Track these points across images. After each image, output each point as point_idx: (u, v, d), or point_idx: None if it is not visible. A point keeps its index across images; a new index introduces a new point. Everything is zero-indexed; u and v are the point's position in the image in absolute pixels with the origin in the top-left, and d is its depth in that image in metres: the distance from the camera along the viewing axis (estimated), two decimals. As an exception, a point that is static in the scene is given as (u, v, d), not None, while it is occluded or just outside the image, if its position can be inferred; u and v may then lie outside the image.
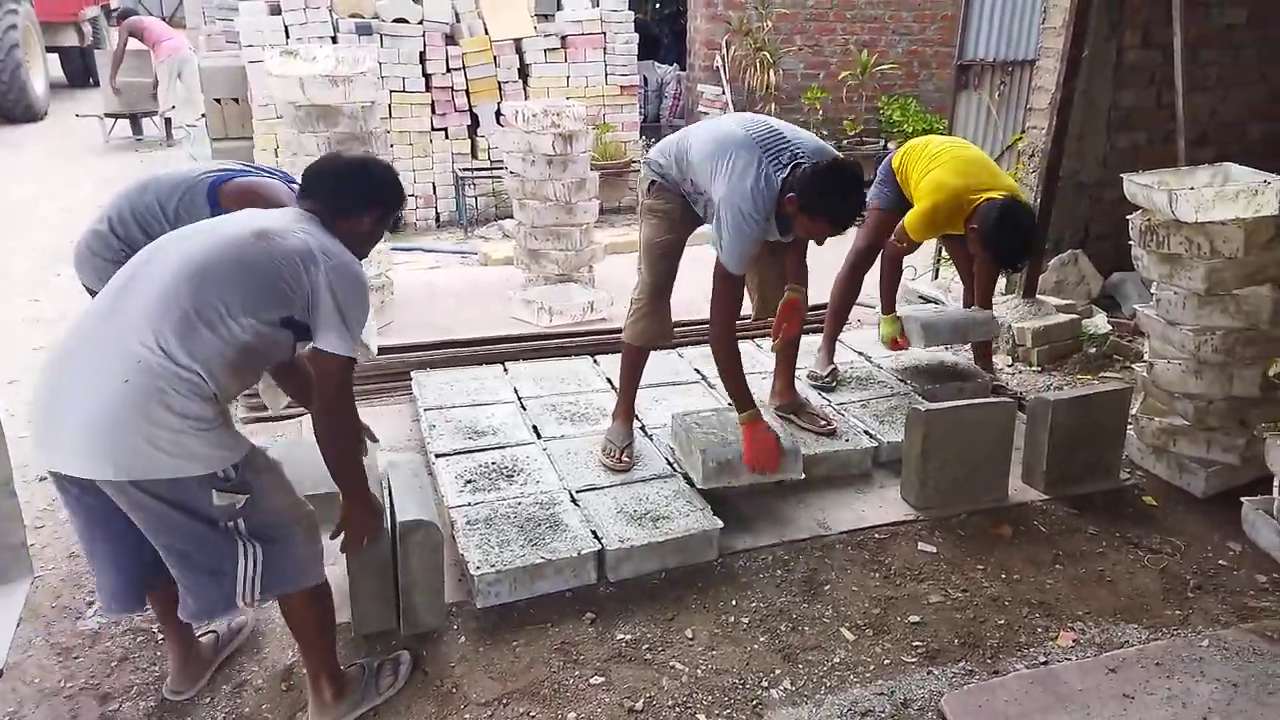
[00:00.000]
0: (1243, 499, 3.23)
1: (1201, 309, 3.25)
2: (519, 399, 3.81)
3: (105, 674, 2.47)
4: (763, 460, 3.11)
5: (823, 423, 3.56)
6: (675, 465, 3.30)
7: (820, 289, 4.01)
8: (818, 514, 3.24)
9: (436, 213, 7.51)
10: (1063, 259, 5.20)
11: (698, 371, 4.11)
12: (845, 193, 2.89)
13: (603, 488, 3.16)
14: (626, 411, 3.43)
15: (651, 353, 3.43)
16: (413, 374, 4.02)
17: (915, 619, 2.73)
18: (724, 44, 8.63)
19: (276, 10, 7.00)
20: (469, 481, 3.17)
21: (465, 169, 7.41)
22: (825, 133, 8.57)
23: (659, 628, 2.66)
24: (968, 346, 4.33)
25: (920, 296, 5.39)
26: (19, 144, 9.85)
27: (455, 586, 2.75)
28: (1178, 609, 2.81)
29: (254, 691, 2.41)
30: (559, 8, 8.15)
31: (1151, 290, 3.49)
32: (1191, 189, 3.18)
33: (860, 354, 4.34)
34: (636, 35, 7.93)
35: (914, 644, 2.63)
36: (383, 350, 4.30)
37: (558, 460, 3.32)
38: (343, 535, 2.33)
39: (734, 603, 2.77)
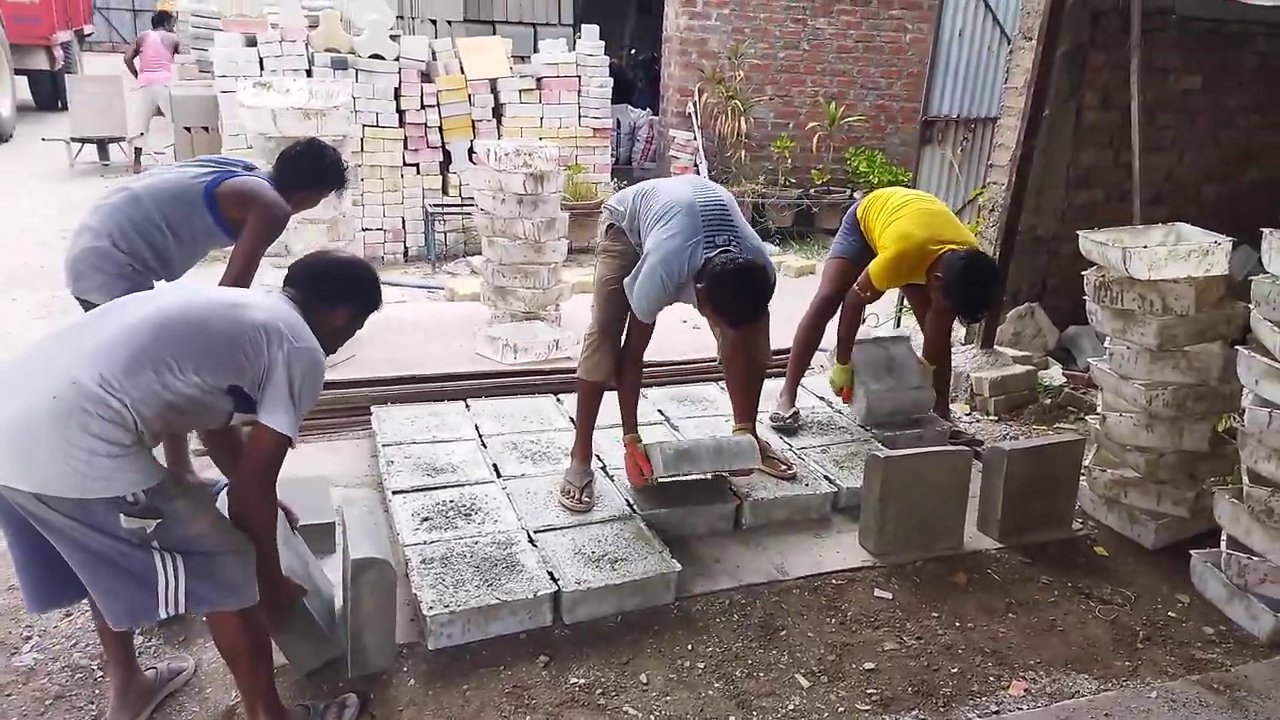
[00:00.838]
0: (1191, 551, 3.28)
1: (1153, 364, 3.33)
2: (480, 436, 3.79)
3: (39, 712, 2.39)
4: (629, 471, 3.37)
5: (783, 467, 3.58)
6: (635, 506, 3.29)
7: (783, 335, 4.05)
8: (775, 558, 3.24)
9: (405, 247, 7.50)
10: (1020, 311, 5.30)
11: (660, 412, 4.12)
12: (748, 297, 2.97)
13: (561, 528, 3.14)
14: (584, 450, 3.43)
15: (609, 392, 3.44)
16: (373, 408, 3.99)
17: (870, 666, 2.72)
18: (697, 91, 8.77)
19: (252, 42, 7.02)
20: (425, 519, 3.13)
21: (435, 205, 7.42)
22: (793, 180, 8.72)
23: (613, 672, 2.63)
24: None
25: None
26: (-18, 165, 9.72)
27: (407, 627, 2.71)
28: (1127, 660, 2.83)
29: (194, 732, 2.35)
30: (535, 49, 8.26)
31: (1105, 344, 3.56)
32: (1145, 247, 3.26)
33: (822, 399, 4.38)
34: (611, 79, 8.04)
35: (868, 691, 2.62)
36: (344, 384, 4.26)
37: (517, 500, 3.29)
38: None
39: (690, 647, 2.76)
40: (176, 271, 3.10)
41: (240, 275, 3.09)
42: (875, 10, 9.03)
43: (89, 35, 15.65)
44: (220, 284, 2.97)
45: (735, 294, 2.96)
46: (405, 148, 7.33)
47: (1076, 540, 3.50)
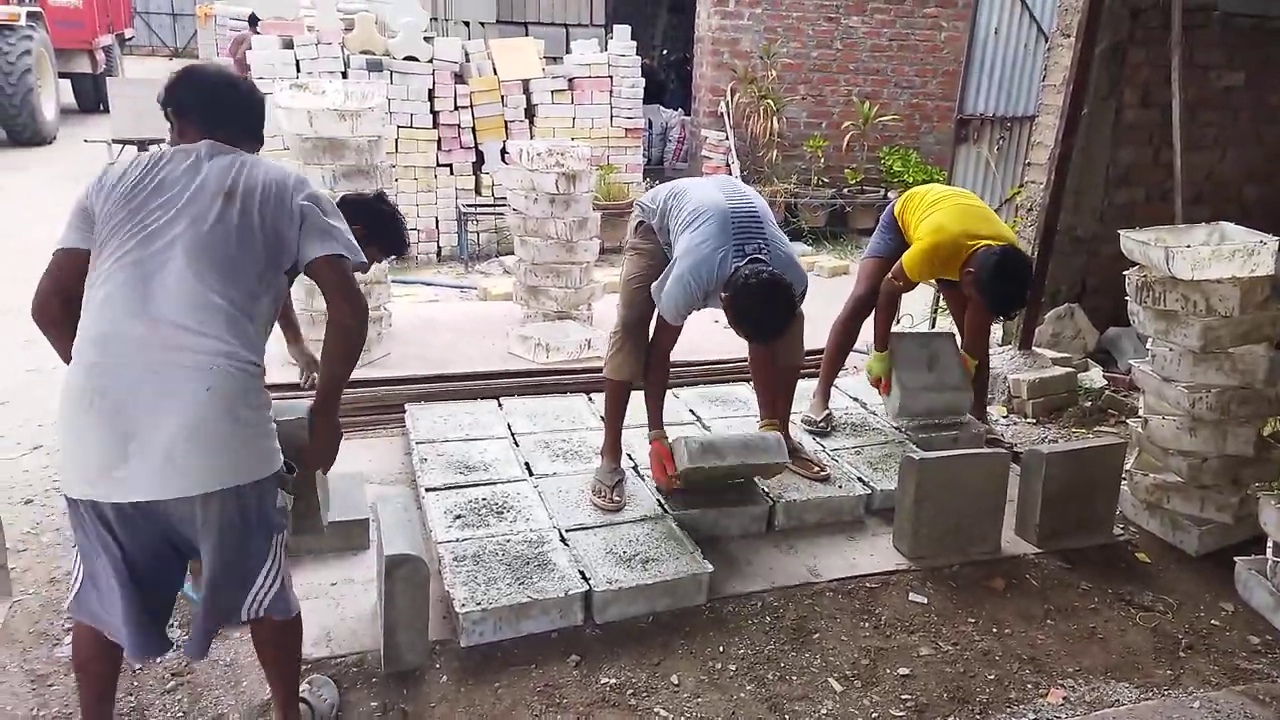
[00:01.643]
0: (1236, 558, 3.20)
1: (1197, 366, 3.26)
2: (512, 435, 3.80)
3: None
4: (653, 469, 3.36)
5: (816, 469, 3.55)
6: (666, 506, 3.28)
7: (817, 335, 4.02)
8: (809, 561, 3.21)
9: (438, 247, 7.55)
10: (1059, 312, 5.23)
11: (692, 412, 4.10)
12: (769, 313, 2.94)
13: (592, 528, 3.13)
14: (613, 448, 3.43)
15: (637, 391, 3.42)
16: (407, 406, 4.01)
17: (905, 671, 2.69)
18: (729, 91, 8.75)
19: (289, 45, 7.10)
20: (458, 517, 3.14)
21: (468, 205, 7.46)
22: (826, 180, 8.67)
23: (644, 672, 2.62)
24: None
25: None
26: (25, 168, 9.93)
27: (439, 624, 2.72)
28: (1169, 669, 2.78)
29: (230, 725, 2.37)
30: (567, 50, 8.28)
31: (1147, 346, 3.50)
32: (1188, 247, 3.20)
33: (855, 400, 4.34)
34: (642, 79, 8.04)
35: (903, 697, 2.59)
36: (378, 382, 4.29)
37: (549, 498, 3.29)
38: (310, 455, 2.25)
39: (721, 649, 2.74)
40: None
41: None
42: (910, 8, 8.96)
43: (130, 39, 15.96)
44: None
45: (756, 312, 2.94)
46: (439, 148, 7.39)
47: (1117, 546, 3.43)
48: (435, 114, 7.33)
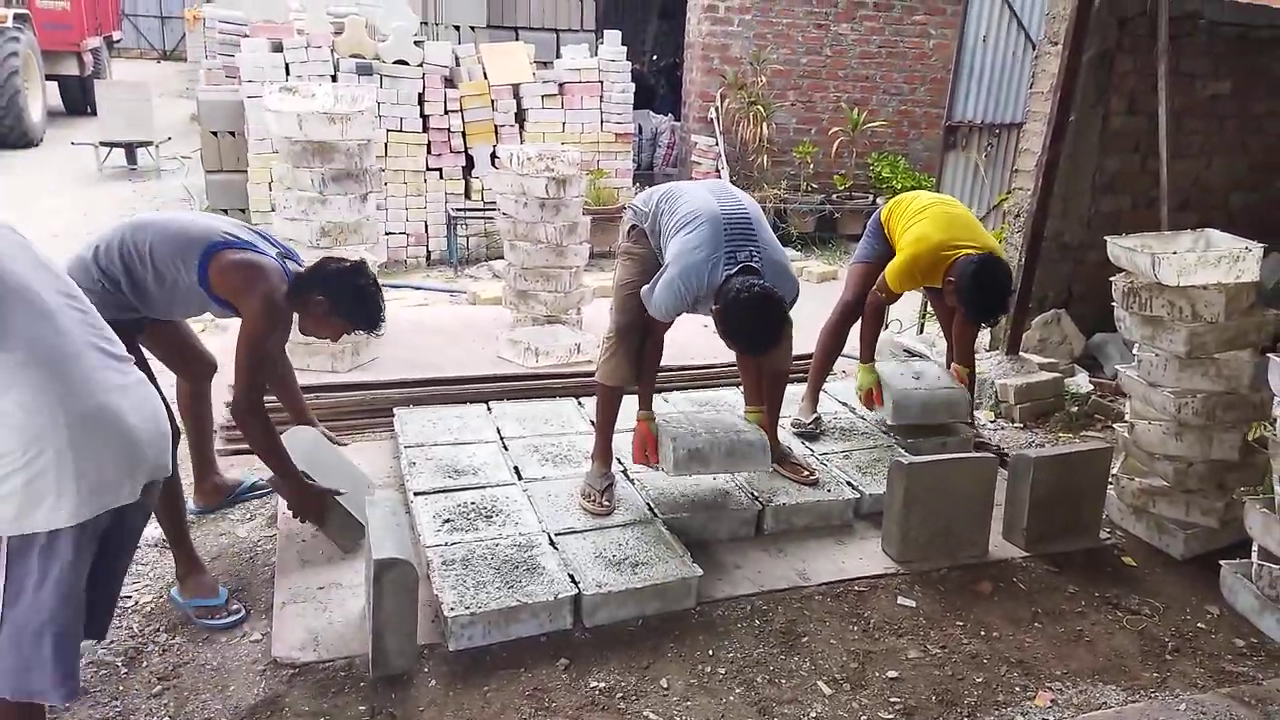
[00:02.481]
0: (1221, 562, 3.23)
1: (1182, 372, 3.28)
2: (501, 439, 3.79)
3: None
4: (634, 448, 3.38)
5: (805, 473, 3.56)
6: (655, 510, 3.28)
7: (806, 341, 4.03)
8: (798, 564, 3.21)
9: (428, 251, 7.54)
10: (1046, 318, 5.25)
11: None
12: (760, 327, 2.94)
13: (582, 531, 3.13)
14: (604, 453, 3.43)
15: (629, 396, 3.43)
16: (395, 410, 4.00)
17: (893, 674, 2.70)
18: (719, 96, 8.77)
19: (278, 48, 7.09)
20: (447, 521, 3.14)
21: (458, 209, 7.46)
22: (815, 186, 8.70)
23: (634, 676, 2.62)
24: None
25: (905, 350, 5.41)
26: (11, 169, 9.87)
27: (428, 628, 2.71)
28: (1155, 671, 2.79)
29: (217, 730, 2.36)
30: (558, 55, 8.29)
31: (1133, 351, 3.52)
32: (1174, 253, 3.22)
33: (844, 404, 4.35)
34: (633, 85, 8.06)
35: (891, 700, 2.59)
36: (367, 385, 4.28)
37: (538, 502, 3.29)
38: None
39: (711, 652, 2.74)
40: (157, 309, 2.86)
41: (246, 371, 2.76)
42: (899, 16, 9.01)
43: (118, 41, 15.88)
44: (239, 385, 2.79)
45: (747, 325, 2.94)
46: (428, 152, 7.38)
47: (1104, 550, 3.45)
48: (425, 118, 7.33)
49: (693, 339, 4.94)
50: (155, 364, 3.01)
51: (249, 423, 2.83)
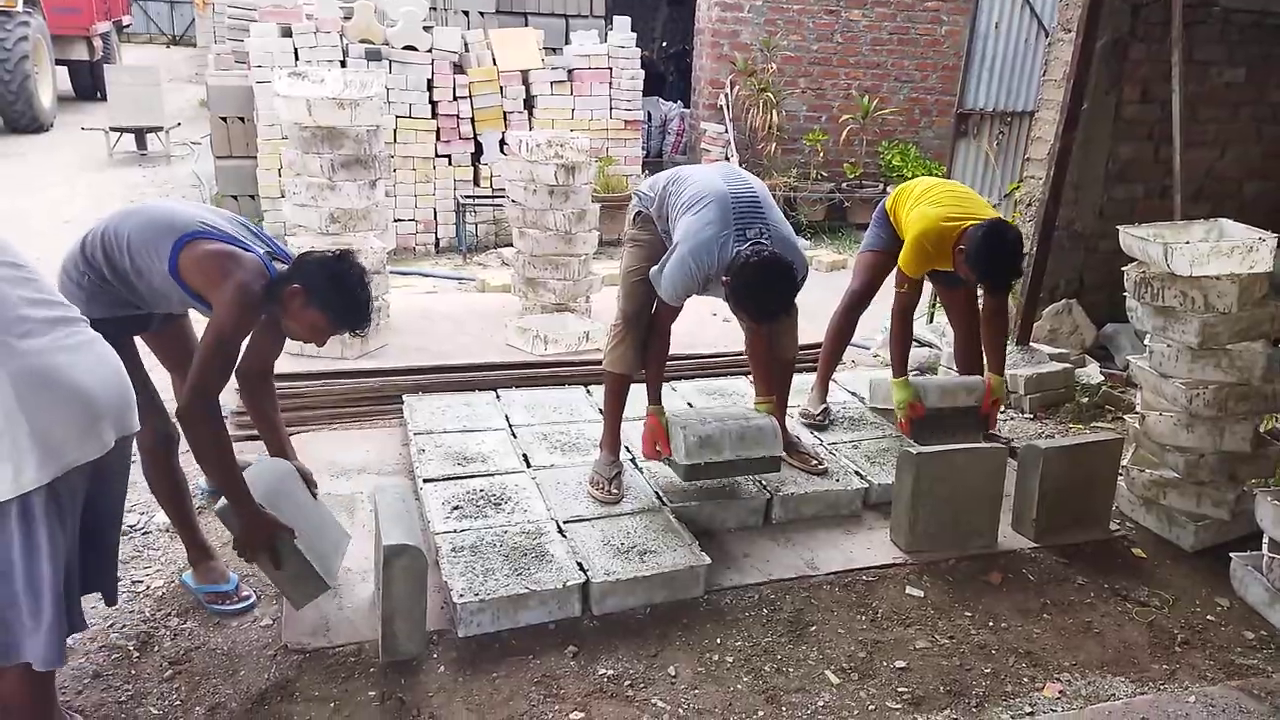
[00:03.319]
0: (1232, 554, 3.21)
1: (1194, 363, 3.26)
2: (510, 427, 3.80)
3: (76, 690, 2.42)
4: (643, 441, 3.35)
5: (814, 462, 3.55)
6: (663, 498, 3.28)
7: (815, 328, 4.03)
8: (806, 554, 3.21)
9: (436, 238, 7.53)
10: (1057, 308, 5.23)
11: (689, 405, 4.10)
12: (771, 292, 2.93)
13: (590, 519, 3.13)
14: (612, 441, 3.44)
15: (638, 384, 3.42)
16: (404, 397, 4.01)
17: (901, 664, 2.70)
18: (728, 83, 8.73)
19: (287, 33, 7.07)
20: (456, 508, 3.14)
21: (467, 196, 7.44)
22: (825, 174, 8.66)
23: (642, 664, 2.63)
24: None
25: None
26: (23, 155, 9.88)
27: (437, 614, 2.72)
28: (1164, 663, 2.79)
29: (228, 715, 2.37)
30: (567, 41, 8.25)
31: (1145, 342, 3.50)
32: (1187, 243, 3.20)
33: (853, 394, 4.34)
34: (642, 71, 8.02)
35: (899, 690, 2.60)
36: (376, 373, 4.29)
37: (546, 490, 3.29)
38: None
39: (718, 641, 2.74)
40: (147, 303, 2.70)
41: (203, 368, 2.46)
42: (911, 2, 8.94)
43: (127, 26, 15.88)
44: (189, 383, 2.48)
45: (757, 291, 2.92)
46: (437, 139, 7.36)
47: (1113, 541, 3.44)
48: (434, 104, 7.31)
49: (701, 328, 4.94)
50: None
51: (197, 428, 2.44)
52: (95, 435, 1.95)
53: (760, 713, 2.47)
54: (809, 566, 3.14)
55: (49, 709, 2.08)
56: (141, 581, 2.87)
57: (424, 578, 2.52)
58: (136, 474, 2.58)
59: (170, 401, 2.75)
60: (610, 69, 7.80)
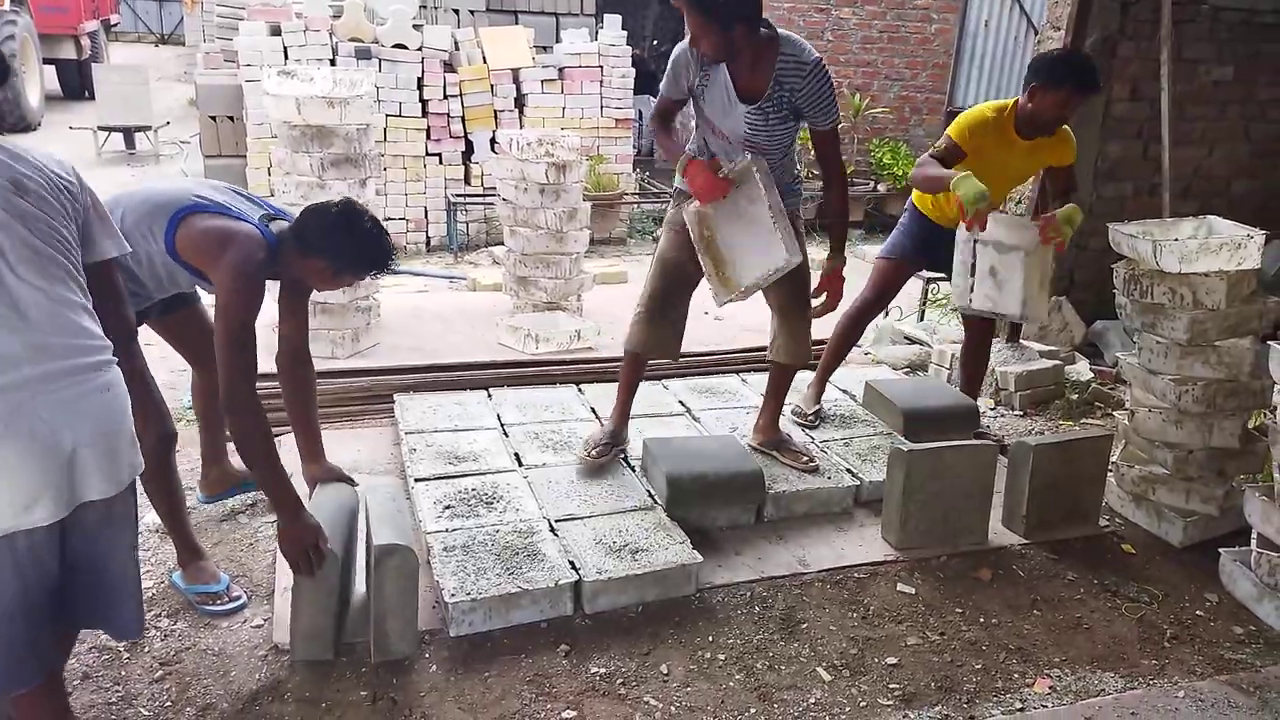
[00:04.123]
0: (1221, 550, 3.23)
1: (1183, 359, 3.28)
2: (501, 425, 3.79)
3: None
4: (703, 187, 3.06)
5: (805, 459, 3.56)
6: (655, 497, 3.29)
7: (818, 327, 4.02)
8: (797, 551, 3.22)
9: (427, 237, 7.52)
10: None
11: (682, 404, 4.11)
12: None
13: (582, 518, 3.13)
14: (615, 416, 3.54)
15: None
16: (395, 397, 4.00)
17: (892, 661, 2.71)
18: (719, 82, 8.72)
19: (276, 31, 7.05)
20: (448, 507, 3.14)
21: (458, 195, 7.43)
22: (814, 173, 8.68)
23: (634, 662, 2.63)
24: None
25: (905, 337, 5.41)
26: (10, 153, 9.82)
27: (429, 614, 2.72)
28: (1154, 659, 2.80)
29: (219, 715, 2.36)
30: (558, 40, 8.24)
31: (1134, 339, 3.51)
32: (1176, 240, 3.21)
33: (844, 391, 4.35)
34: (633, 70, 8.02)
35: (890, 686, 2.60)
36: (367, 372, 4.28)
37: (538, 489, 3.29)
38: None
39: (710, 639, 2.75)
40: (150, 290, 2.67)
41: (228, 352, 2.39)
42: (900, 1, 8.96)
43: (115, 25, 15.80)
44: (221, 377, 2.43)
45: None
46: (428, 137, 7.35)
47: (1103, 537, 3.46)
48: (424, 102, 7.30)
49: (693, 326, 4.93)
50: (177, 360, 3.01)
51: (240, 417, 2.38)
52: (46, 504, 1.74)
53: (752, 710, 2.48)
54: (800, 564, 3.15)
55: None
56: (131, 582, 2.86)
57: (415, 577, 2.52)
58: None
59: (173, 401, 2.72)
60: (601, 67, 7.80)
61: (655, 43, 13.32)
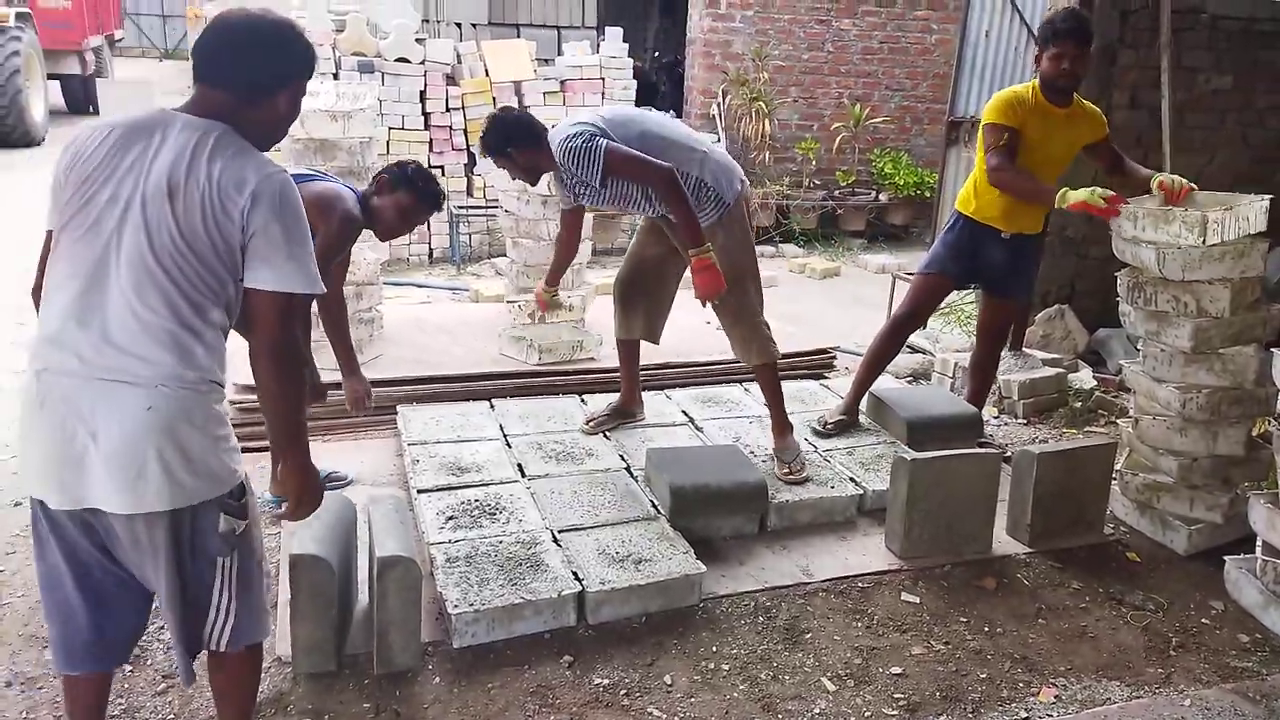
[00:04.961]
0: (1226, 557, 3.22)
1: (1188, 367, 3.27)
2: (504, 436, 3.79)
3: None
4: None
5: (786, 471, 3.53)
6: (658, 507, 3.28)
7: (803, 334, 4.03)
8: (801, 560, 3.21)
9: (430, 249, 7.54)
10: (1049, 313, 5.25)
11: (685, 413, 4.11)
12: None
13: (585, 528, 3.13)
14: (623, 396, 3.93)
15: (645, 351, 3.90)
16: (399, 408, 4.00)
17: (897, 670, 2.69)
18: (720, 93, 8.75)
19: (279, 45, 7.08)
20: (450, 518, 3.14)
21: (460, 206, 7.45)
22: (818, 182, 8.71)
23: (638, 673, 2.62)
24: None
25: (908, 346, 5.41)
26: (13, 169, 9.87)
27: (432, 625, 2.71)
28: (1160, 667, 2.79)
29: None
30: (559, 52, 8.28)
31: (1137, 347, 3.51)
32: (1179, 248, 3.16)
33: (847, 401, 4.34)
34: (634, 81, 8.05)
35: (895, 696, 2.59)
36: (370, 383, 4.27)
37: (541, 499, 3.29)
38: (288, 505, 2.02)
39: (714, 649, 2.74)
40: None
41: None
42: (900, 11, 8.99)
43: (119, 40, 15.88)
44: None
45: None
46: (430, 150, 7.38)
47: (1108, 546, 3.45)
48: (427, 115, 7.32)
49: (697, 337, 4.95)
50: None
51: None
52: (58, 492, 1.78)
53: (757, 721, 2.47)
54: (804, 573, 3.14)
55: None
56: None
57: (418, 589, 2.52)
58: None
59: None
60: (603, 79, 7.84)
61: (657, 54, 13.38)
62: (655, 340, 3.89)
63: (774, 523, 3.37)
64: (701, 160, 3.38)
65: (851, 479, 3.57)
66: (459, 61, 7.45)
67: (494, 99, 7.48)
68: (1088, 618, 3.01)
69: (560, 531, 3.09)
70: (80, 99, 13.21)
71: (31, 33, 11.15)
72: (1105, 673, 2.75)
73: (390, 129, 7.13)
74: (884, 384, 4.64)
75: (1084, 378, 4.87)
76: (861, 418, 4.15)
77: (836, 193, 8.71)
